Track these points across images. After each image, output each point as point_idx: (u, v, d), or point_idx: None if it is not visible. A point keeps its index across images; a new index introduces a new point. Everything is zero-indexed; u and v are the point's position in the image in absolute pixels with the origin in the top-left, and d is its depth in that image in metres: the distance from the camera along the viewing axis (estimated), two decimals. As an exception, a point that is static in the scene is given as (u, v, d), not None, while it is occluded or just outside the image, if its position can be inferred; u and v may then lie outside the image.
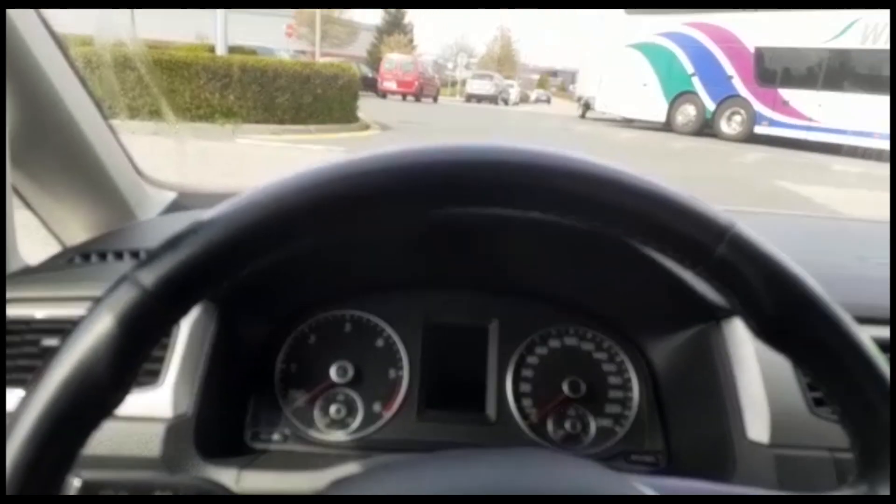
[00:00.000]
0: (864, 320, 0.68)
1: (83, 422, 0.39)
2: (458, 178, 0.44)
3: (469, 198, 0.45)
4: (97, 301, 0.40)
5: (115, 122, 1.10)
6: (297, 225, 0.43)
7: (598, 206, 0.45)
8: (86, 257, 1.00)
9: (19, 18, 0.83)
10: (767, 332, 0.46)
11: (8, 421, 0.37)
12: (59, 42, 0.93)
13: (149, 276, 0.40)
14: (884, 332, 0.82)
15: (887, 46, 14.42)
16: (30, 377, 0.38)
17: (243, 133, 9.57)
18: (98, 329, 0.39)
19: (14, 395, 0.75)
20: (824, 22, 15.26)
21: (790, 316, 0.45)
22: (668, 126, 17.85)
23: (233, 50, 12.16)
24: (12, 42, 0.83)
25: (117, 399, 0.40)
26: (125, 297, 0.40)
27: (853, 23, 15.02)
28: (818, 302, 0.44)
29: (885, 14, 14.36)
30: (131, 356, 0.40)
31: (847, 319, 0.45)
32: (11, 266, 0.95)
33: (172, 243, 0.41)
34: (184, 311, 0.42)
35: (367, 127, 12.50)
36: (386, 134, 12.69)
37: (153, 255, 0.41)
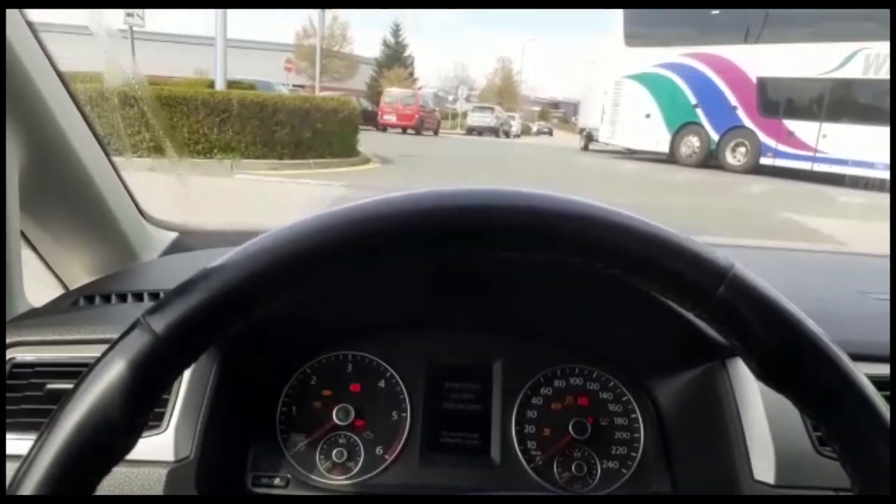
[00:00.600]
0: (863, 357, 0.75)
1: (95, 466, 0.40)
2: (463, 221, 0.45)
3: (473, 242, 0.46)
4: (110, 346, 0.41)
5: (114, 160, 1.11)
6: (306, 270, 0.43)
7: (599, 249, 0.46)
8: (90, 300, 1.01)
9: (28, 59, 0.84)
10: (767, 373, 0.46)
11: (23, 463, 0.39)
12: (65, 82, 0.94)
13: (160, 322, 0.41)
14: (883, 369, 0.84)
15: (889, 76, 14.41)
16: (35, 421, 0.42)
17: (242, 168, 9.51)
18: (111, 374, 0.40)
19: (19, 440, 0.78)
20: (826, 52, 15.29)
21: (789, 358, 0.45)
22: (671, 157, 17.78)
23: (231, 85, 12.15)
24: (20, 83, 0.84)
25: (129, 444, 0.41)
26: (137, 342, 0.41)
27: (855, 53, 15.05)
28: (817, 344, 0.45)
29: (886, 45, 14.34)
30: (143, 401, 0.41)
31: (846, 361, 0.45)
32: (17, 309, 0.95)
33: (183, 289, 0.42)
34: (195, 356, 0.43)
35: (367, 161, 12.43)
36: (386, 167, 12.64)
37: (164, 302, 0.42)
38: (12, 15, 0.82)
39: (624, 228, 0.46)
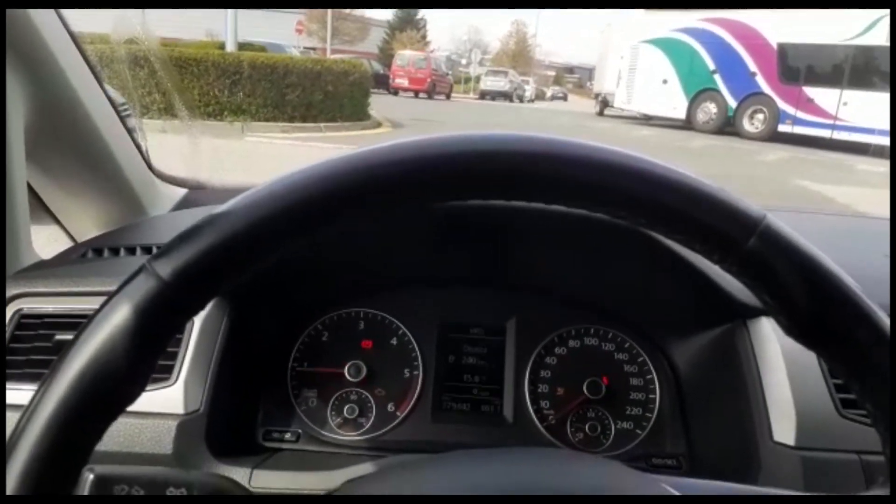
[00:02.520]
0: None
1: (99, 415, 0.39)
2: (484, 166, 0.43)
3: (494, 188, 0.44)
4: (114, 292, 0.40)
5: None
6: (315, 215, 0.42)
7: (622, 195, 0.44)
8: (98, 252, 1.01)
9: (37, 14, 0.83)
10: (799, 328, 0.44)
11: (24, 413, 0.38)
12: (76, 38, 0.94)
13: (166, 267, 0.40)
14: None
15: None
16: (43, 372, 0.38)
17: (252, 131, 9.47)
18: (115, 320, 0.39)
19: (28, 390, 0.77)
20: (849, 18, 14.96)
21: (823, 312, 0.43)
22: (688, 123, 17.55)
23: (242, 47, 12.04)
24: (29, 36, 0.83)
25: (134, 392, 0.40)
26: (142, 287, 0.40)
27: (878, 20, 14.73)
28: (853, 298, 0.43)
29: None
30: (148, 348, 0.40)
31: (882, 316, 0.43)
32: (24, 260, 0.95)
33: (190, 234, 0.41)
34: (202, 303, 0.42)
35: (378, 125, 12.37)
36: (398, 132, 12.55)
37: (170, 246, 0.41)
38: None
39: (648, 174, 0.44)
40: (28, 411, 0.38)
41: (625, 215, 0.44)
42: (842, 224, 1.54)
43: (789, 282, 0.43)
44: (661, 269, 0.85)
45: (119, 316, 0.39)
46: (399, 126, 13.00)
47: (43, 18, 0.85)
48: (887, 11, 14.34)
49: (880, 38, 14.65)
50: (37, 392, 0.38)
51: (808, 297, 0.43)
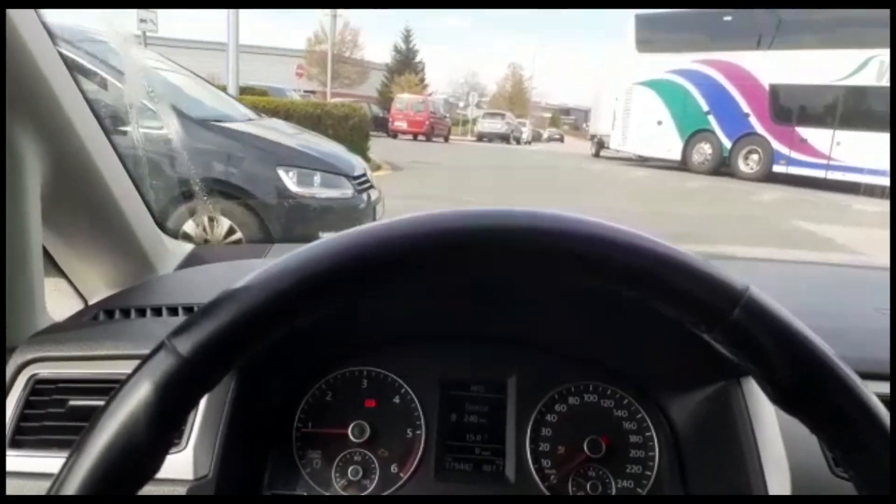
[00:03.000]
0: (879, 376, 0.82)
1: (123, 489, 0.40)
2: (484, 243, 0.46)
3: (493, 265, 0.46)
4: (136, 368, 0.42)
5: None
6: (330, 291, 0.44)
7: (614, 269, 0.46)
8: (110, 314, 1.01)
9: (49, 72, 0.84)
10: (781, 397, 0.46)
11: (51, 486, 0.40)
12: (83, 92, 0.95)
13: (186, 344, 0.42)
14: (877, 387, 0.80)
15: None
16: (57, 438, 0.44)
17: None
18: (137, 397, 0.41)
19: (43, 457, 0.80)
20: (839, 59, 15.20)
21: (804, 384, 0.45)
22: (683, 164, 17.75)
23: (244, 90, 12.22)
24: (42, 95, 0.84)
25: (155, 466, 0.42)
26: (163, 364, 0.42)
27: (868, 60, 14.97)
28: (834, 371, 0.45)
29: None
30: (169, 423, 0.41)
31: (862, 387, 0.45)
32: (39, 324, 0.95)
33: (208, 311, 0.43)
34: (219, 378, 0.44)
35: (378, 168, 12.45)
36: (397, 174, 12.64)
37: (189, 323, 0.43)
38: (33, 25, 0.82)
39: (638, 249, 0.46)
40: (55, 485, 0.39)
41: (616, 288, 0.47)
42: (832, 274, 1.57)
43: (771, 353, 0.46)
44: (657, 328, 0.85)
45: (141, 392, 0.41)
46: (398, 169, 13.12)
47: (53, 72, 0.87)
48: (878, 52, 14.61)
49: (870, 78, 14.89)
50: (64, 465, 0.40)
51: (788, 368, 0.46)
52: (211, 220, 4.32)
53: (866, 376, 0.70)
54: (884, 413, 0.45)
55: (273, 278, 0.44)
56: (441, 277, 0.47)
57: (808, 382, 0.45)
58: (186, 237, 4.30)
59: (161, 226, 1.23)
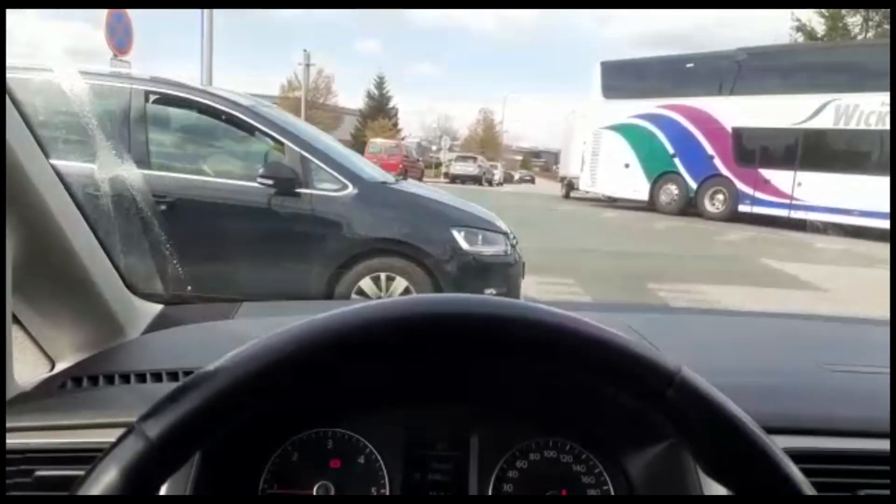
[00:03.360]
0: (821, 432, 0.90)
1: None
2: (439, 329, 0.49)
3: (443, 348, 0.51)
4: (105, 452, 0.43)
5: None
6: (294, 375, 0.46)
7: (555, 353, 0.50)
8: (77, 382, 1.01)
9: (20, 148, 0.86)
10: (711, 470, 0.50)
11: None
12: (48, 155, 0.96)
13: (154, 428, 0.43)
14: (837, 444, 0.90)
15: (859, 127, 14.87)
16: None
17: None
18: (105, 481, 0.42)
19: None
20: (798, 103, 15.71)
21: (732, 460, 0.49)
22: (651, 205, 18.07)
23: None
24: (14, 172, 0.86)
25: None
26: (132, 449, 0.42)
27: (826, 104, 15.48)
28: (759, 447, 0.48)
29: (857, 97, 14.84)
30: None
31: (787, 462, 0.49)
32: (8, 393, 0.95)
33: (176, 395, 0.44)
34: (186, 459, 0.46)
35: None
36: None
37: (159, 407, 0.44)
38: None
39: (576, 333, 0.51)
40: None
41: (557, 368, 0.53)
42: (771, 328, 1.60)
43: (701, 430, 0.50)
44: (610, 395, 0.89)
45: (109, 478, 0.42)
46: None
47: (24, 150, 0.88)
48: (835, 96, 15.15)
49: (828, 121, 15.42)
50: None
51: (717, 445, 0.50)
52: (390, 279, 4.43)
53: (811, 433, 0.78)
54: (807, 486, 0.49)
55: (243, 363, 0.46)
56: (401, 358, 0.51)
57: (735, 458, 0.49)
58: (361, 293, 4.32)
59: (131, 287, 1.23)
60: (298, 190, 4.38)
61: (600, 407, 0.95)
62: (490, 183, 35.46)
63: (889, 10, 13.51)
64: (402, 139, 39.41)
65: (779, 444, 0.51)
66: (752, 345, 1.39)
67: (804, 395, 1.03)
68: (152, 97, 4.45)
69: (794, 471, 0.49)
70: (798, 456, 0.64)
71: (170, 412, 0.44)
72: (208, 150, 5.06)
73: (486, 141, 62.58)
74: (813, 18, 20.98)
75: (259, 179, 4.32)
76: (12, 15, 0.91)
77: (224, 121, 4.66)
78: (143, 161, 4.21)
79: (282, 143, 4.64)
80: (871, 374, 1.15)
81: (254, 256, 4.37)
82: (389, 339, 0.49)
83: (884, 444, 0.90)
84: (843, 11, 18.78)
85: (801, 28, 21.73)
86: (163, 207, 4.00)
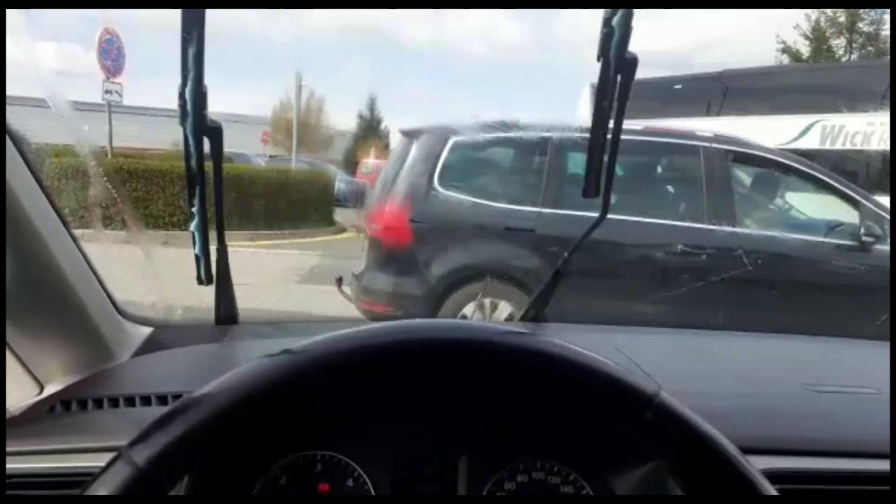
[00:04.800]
0: (807, 453, 0.90)
1: None
2: (427, 355, 0.51)
3: (430, 373, 0.52)
4: (94, 477, 0.44)
5: (89, 232, 1.15)
6: (280, 402, 0.47)
7: (538, 377, 0.52)
8: (66, 406, 1.01)
9: (12, 174, 0.86)
10: (688, 487, 0.52)
11: None
12: (38, 177, 0.96)
13: (142, 454, 0.43)
14: (827, 464, 0.90)
15: (845, 147, 15.04)
16: None
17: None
18: None
19: None
20: (784, 124, 15.87)
21: (709, 480, 0.51)
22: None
23: (208, 158, 12.22)
24: (4, 197, 0.85)
25: None
26: (120, 474, 0.43)
27: (812, 125, 15.65)
28: (736, 465, 0.50)
29: (842, 116, 15.03)
30: None
31: (762, 482, 0.50)
32: None
33: (164, 421, 0.45)
34: (174, 484, 0.46)
35: (343, 230, 12.54)
36: (361, 236, 12.69)
37: (146, 433, 0.45)
38: None
39: (555, 357, 0.53)
40: None
41: (541, 393, 0.53)
42: (756, 349, 1.62)
43: (679, 452, 0.52)
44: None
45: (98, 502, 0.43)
46: (363, 230, 13.19)
47: (16, 174, 0.88)
48: (821, 116, 15.32)
49: (814, 141, 15.56)
50: None
51: (694, 466, 0.51)
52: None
53: (799, 454, 0.83)
54: None
55: (231, 389, 0.47)
56: (387, 382, 0.52)
57: (710, 478, 0.51)
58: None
59: (120, 309, 1.24)
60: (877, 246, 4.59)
61: (587, 428, 0.96)
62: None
63: (871, 32, 13.72)
64: (394, 160, 39.46)
65: (765, 465, 0.54)
66: (737, 366, 1.40)
67: (790, 417, 1.04)
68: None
69: (770, 489, 0.51)
70: (784, 476, 0.66)
71: (158, 438, 0.45)
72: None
73: (478, 161, 62.68)
74: (798, 41, 21.29)
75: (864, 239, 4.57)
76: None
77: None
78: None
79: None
80: (856, 394, 1.17)
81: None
82: (374, 363, 0.50)
83: (879, 465, 0.90)
84: (828, 34, 19.05)
85: (786, 50, 22.01)
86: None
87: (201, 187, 1.20)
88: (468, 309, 4.57)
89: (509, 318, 4.40)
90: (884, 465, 0.89)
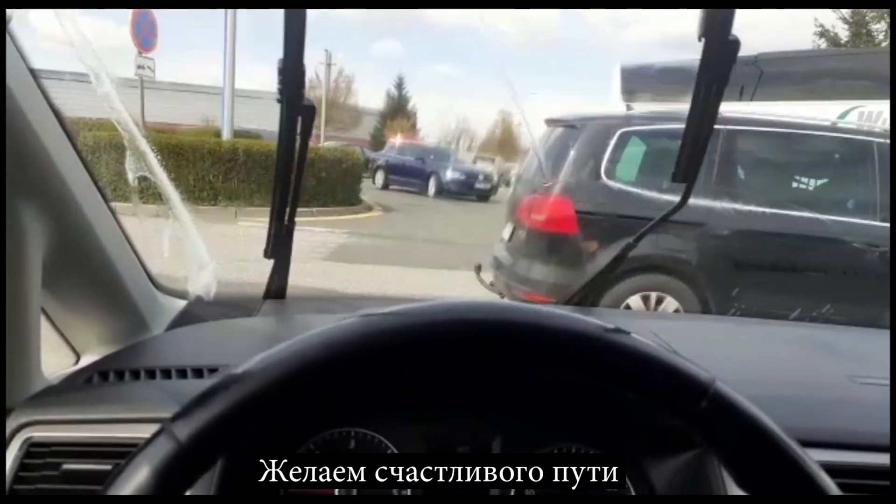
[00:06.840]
0: (854, 447, 0.87)
1: None
2: (474, 334, 0.49)
3: (478, 353, 0.50)
4: (136, 451, 0.44)
5: (120, 205, 1.13)
6: (324, 377, 0.46)
7: (586, 363, 0.50)
8: (104, 376, 1.02)
9: (54, 148, 0.87)
10: (743, 482, 0.50)
11: None
12: (80, 153, 0.97)
13: (185, 430, 0.44)
14: (873, 458, 0.87)
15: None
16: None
17: (246, 216, 9.65)
18: (136, 481, 0.42)
19: None
20: (819, 111, 15.53)
21: (767, 474, 0.48)
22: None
23: (238, 134, 12.35)
24: (47, 172, 0.87)
25: None
26: (162, 449, 0.43)
27: (849, 111, 15.30)
28: (795, 459, 0.48)
29: (880, 103, 14.65)
30: None
31: (823, 477, 0.48)
32: (34, 386, 0.96)
33: (207, 396, 0.45)
34: (215, 461, 0.46)
35: (370, 209, 12.60)
36: (388, 215, 12.77)
37: (189, 408, 0.45)
38: (34, 96, 0.84)
39: (611, 344, 0.50)
40: None
41: (589, 378, 0.51)
42: (803, 339, 1.56)
43: (735, 443, 0.50)
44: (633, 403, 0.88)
45: (140, 477, 0.43)
46: (390, 210, 13.25)
47: (58, 149, 0.89)
48: (857, 103, 14.94)
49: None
50: None
51: (752, 459, 0.49)
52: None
53: (843, 448, 0.80)
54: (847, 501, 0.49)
55: (273, 366, 0.46)
56: (430, 362, 0.50)
57: (770, 473, 0.49)
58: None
59: (155, 282, 1.25)
60: None
61: (625, 414, 0.95)
62: (507, 184, 35.17)
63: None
64: (421, 139, 39.46)
65: (816, 458, 0.50)
66: (777, 354, 1.37)
67: (835, 408, 1.01)
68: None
69: (830, 484, 0.49)
70: (834, 470, 0.64)
71: (200, 414, 0.44)
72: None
73: (504, 143, 62.38)
74: (837, 24, 20.75)
75: None
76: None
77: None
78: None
79: None
80: None
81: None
82: (420, 345, 0.49)
83: None
84: (868, 18, 18.56)
85: (823, 34, 21.46)
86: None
87: (293, 164, 1.23)
88: (632, 300, 4.52)
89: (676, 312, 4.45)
90: None
